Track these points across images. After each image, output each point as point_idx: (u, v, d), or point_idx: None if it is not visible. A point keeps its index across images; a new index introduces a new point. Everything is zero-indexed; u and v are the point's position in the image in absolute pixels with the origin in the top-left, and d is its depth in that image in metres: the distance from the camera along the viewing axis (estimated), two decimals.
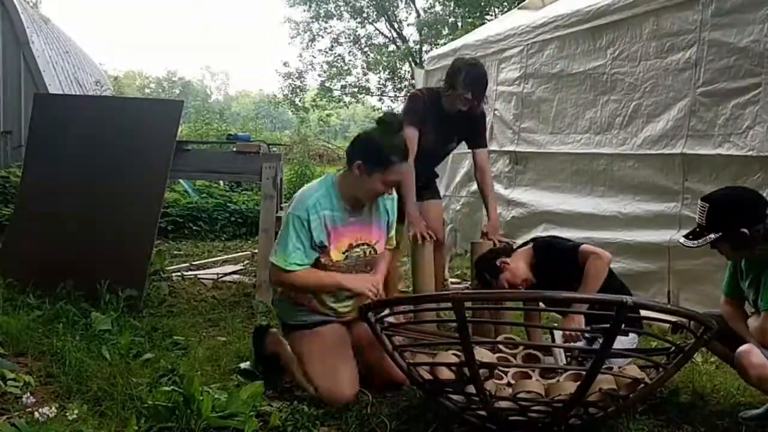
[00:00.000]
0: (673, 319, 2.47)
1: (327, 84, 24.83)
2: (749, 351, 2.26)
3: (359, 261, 2.64)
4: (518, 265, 3.01)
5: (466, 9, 20.29)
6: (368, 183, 2.50)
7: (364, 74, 25.05)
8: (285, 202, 5.33)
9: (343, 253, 2.58)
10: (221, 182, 8.22)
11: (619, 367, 2.33)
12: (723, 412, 2.52)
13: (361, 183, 2.52)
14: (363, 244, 2.64)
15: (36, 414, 2.06)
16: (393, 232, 2.84)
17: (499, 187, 5.86)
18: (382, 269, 2.75)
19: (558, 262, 2.92)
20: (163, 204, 4.68)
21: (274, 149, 5.42)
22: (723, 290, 2.65)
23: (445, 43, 13.77)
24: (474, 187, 6.18)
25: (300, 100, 25.31)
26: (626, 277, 4.29)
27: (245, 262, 5.49)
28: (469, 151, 3.93)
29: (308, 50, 24.77)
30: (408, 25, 24.28)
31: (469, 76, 3.40)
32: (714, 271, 3.70)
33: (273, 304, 2.77)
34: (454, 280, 4.95)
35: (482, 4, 19.75)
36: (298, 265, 2.49)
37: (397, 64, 23.65)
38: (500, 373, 2.39)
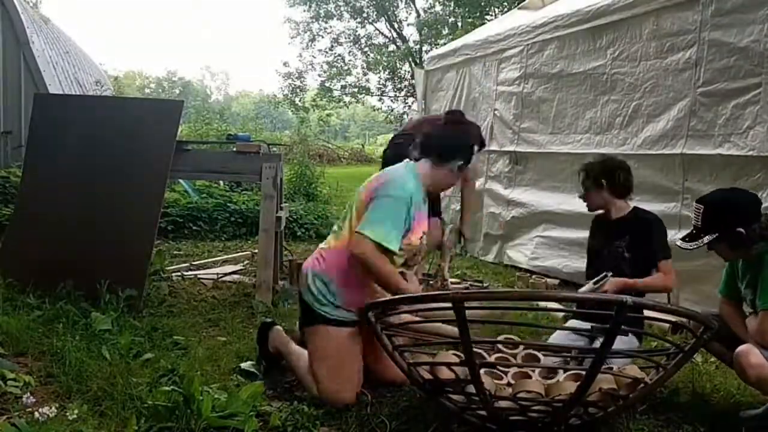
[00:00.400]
0: (673, 319, 2.48)
1: (327, 84, 24.83)
2: (748, 351, 2.26)
3: (423, 248, 2.76)
4: (614, 201, 3.06)
5: (466, 9, 20.31)
6: (456, 177, 2.77)
7: (364, 74, 25.06)
8: (285, 202, 5.33)
9: (419, 238, 2.66)
10: (221, 182, 8.21)
11: (619, 368, 2.33)
12: (723, 412, 2.52)
13: (450, 179, 2.76)
14: (425, 233, 2.74)
15: (36, 414, 2.06)
16: None
17: (499, 187, 5.87)
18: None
19: (644, 242, 2.98)
20: (163, 204, 4.67)
21: (274, 149, 5.40)
22: (720, 291, 2.65)
23: (445, 43, 13.77)
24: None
25: (300, 100, 25.32)
26: None
27: (245, 262, 5.49)
28: None
29: (308, 50, 24.81)
30: (408, 25, 24.32)
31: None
32: (714, 271, 3.70)
33: (309, 285, 2.61)
34: (454, 280, 4.94)
35: (482, 4, 19.77)
36: (394, 245, 2.48)
37: (397, 64, 23.68)
38: (500, 373, 2.39)
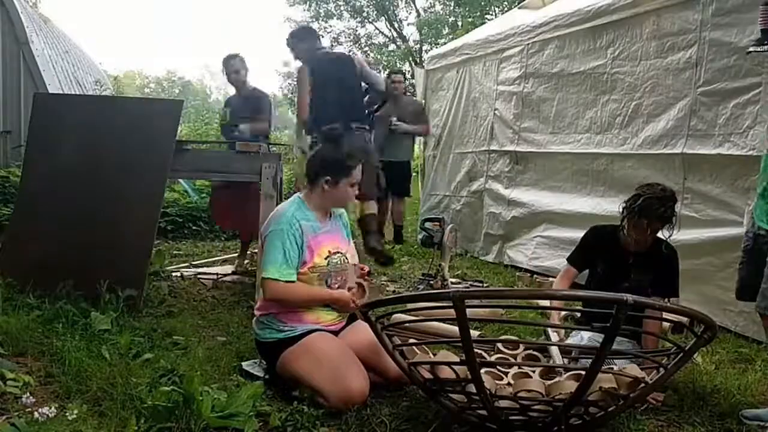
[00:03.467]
0: (674, 318, 2.47)
1: None
2: None
3: (337, 267, 2.74)
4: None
5: (467, 8, 20.29)
6: (338, 192, 2.75)
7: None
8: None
9: (325, 258, 2.70)
10: None
11: (620, 367, 2.32)
12: (723, 412, 2.52)
13: (332, 195, 2.75)
14: (337, 252, 2.76)
15: (36, 414, 2.06)
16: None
17: (499, 187, 5.87)
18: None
19: (667, 279, 2.92)
20: (163, 204, 4.67)
21: (274, 149, 5.40)
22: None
23: (445, 43, 13.76)
24: (474, 186, 6.19)
25: None
26: None
27: (245, 262, 5.48)
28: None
29: None
30: (408, 24, 24.30)
31: None
32: (714, 271, 3.71)
33: (257, 331, 2.78)
34: (454, 279, 4.95)
35: (482, 3, 19.75)
36: (293, 274, 2.60)
37: (397, 64, 23.65)
38: (500, 373, 2.39)
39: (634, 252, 2.91)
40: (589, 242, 3.07)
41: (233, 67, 5.23)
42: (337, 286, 2.75)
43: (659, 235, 2.87)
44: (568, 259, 3.11)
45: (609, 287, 2.83)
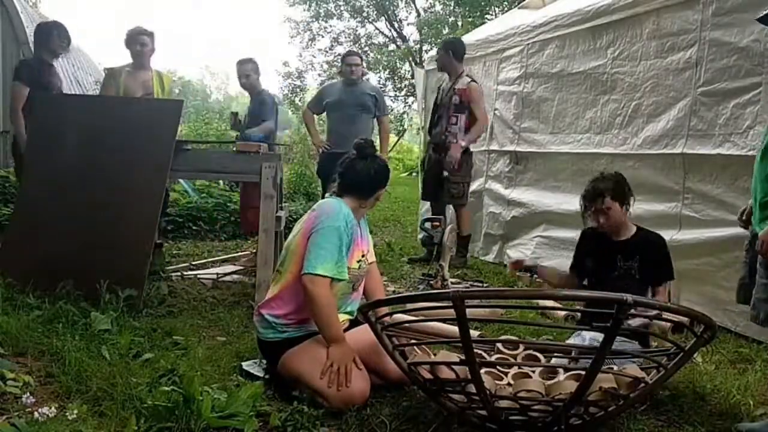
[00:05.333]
0: (674, 318, 2.47)
1: (327, 84, 24.82)
2: None
3: (362, 270, 2.77)
4: (626, 220, 3.04)
5: (467, 8, 20.28)
6: (377, 200, 2.84)
7: (364, 74, 25.02)
8: (285, 202, 5.33)
9: (357, 262, 2.71)
10: (221, 182, 8.20)
11: (620, 367, 2.32)
12: (723, 412, 2.52)
13: (374, 203, 2.84)
14: (363, 255, 2.79)
15: (35, 414, 2.06)
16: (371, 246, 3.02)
17: (499, 187, 5.87)
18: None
19: (654, 263, 2.97)
20: (164, 203, 4.66)
21: (274, 149, 5.40)
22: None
23: None
24: (474, 186, 6.19)
25: (300, 100, 25.28)
26: None
27: (245, 259, 5.48)
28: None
29: (308, 50, 24.80)
30: (408, 24, 24.30)
31: None
32: (714, 271, 3.71)
33: (260, 329, 2.74)
34: (454, 280, 4.94)
35: (482, 3, 19.73)
36: (344, 273, 2.60)
37: (397, 64, 23.65)
38: (500, 373, 2.39)
39: (618, 242, 3.01)
40: (580, 246, 3.18)
41: (243, 72, 5.45)
42: (359, 285, 2.80)
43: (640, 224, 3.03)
44: (570, 268, 3.21)
45: (599, 279, 2.98)
